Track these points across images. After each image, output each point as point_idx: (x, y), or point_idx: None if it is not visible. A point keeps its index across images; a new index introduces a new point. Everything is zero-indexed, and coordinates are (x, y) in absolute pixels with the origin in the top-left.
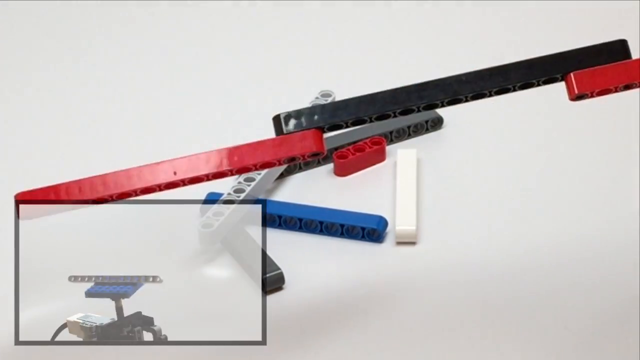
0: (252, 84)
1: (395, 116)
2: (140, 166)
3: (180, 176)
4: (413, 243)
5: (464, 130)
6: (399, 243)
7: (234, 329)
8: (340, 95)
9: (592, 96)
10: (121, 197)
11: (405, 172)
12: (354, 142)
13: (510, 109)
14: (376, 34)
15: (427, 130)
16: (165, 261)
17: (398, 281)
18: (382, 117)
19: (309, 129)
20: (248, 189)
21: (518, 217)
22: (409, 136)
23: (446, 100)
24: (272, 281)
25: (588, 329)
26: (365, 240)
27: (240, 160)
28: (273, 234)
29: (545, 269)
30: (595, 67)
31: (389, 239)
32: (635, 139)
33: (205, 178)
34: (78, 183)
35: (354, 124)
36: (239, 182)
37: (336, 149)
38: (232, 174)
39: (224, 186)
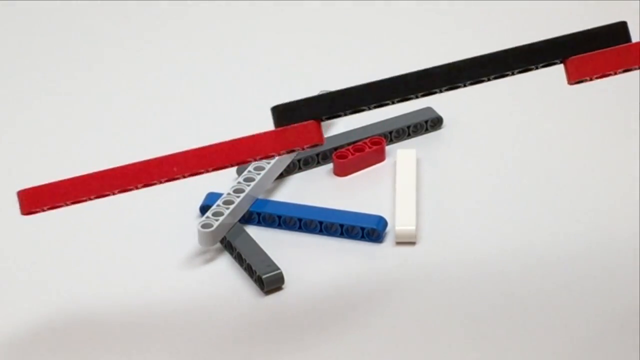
0: (252, 84)
1: (393, 103)
2: (140, 162)
3: (180, 171)
4: (412, 243)
5: (463, 130)
6: (399, 243)
7: (234, 328)
8: None
9: (591, 80)
10: (122, 192)
11: (404, 172)
12: (354, 142)
13: (510, 109)
14: (377, 33)
15: (427, 130)
16: (165, 261)
17: (397, 281)
18: (380, 106)
19: (307, 119)
20: (248, 189)
21: (518, 217)
22: (409, 136)
23: (444, 88)
24: (271, 281)
25: (589, 328)
26: (365, 240)
27: (240, 154)
28: (273, 234)
29: (546, 269)
30: (595, 52)
31: (389, 239)
32: (636, 141)
33: (205, 171)
34: (80, 180)
35: (352, 113)
36: (239, 182)
37: (336, 149)
38: (232, 166)
39: (224, 186)
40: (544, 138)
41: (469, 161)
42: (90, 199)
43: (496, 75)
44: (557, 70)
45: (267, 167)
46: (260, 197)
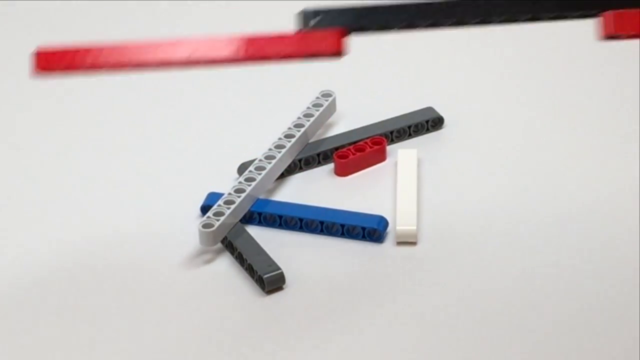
0: (252, 84)
1: (422, 28)
2: (159, 41)
3: (196, 56)
4: (413, 243)
5: (464, 130)
6: (399, 243)
7: (234, 328)
8: (340, 97)
9: (622, 38)
10: (138, 66)
11: (405, 172)
12: (355, 142)
13: (510, 109)
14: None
15: (428, 130)
16: (165, 261)
17: (398, 281)
18: (410, 27)
19: (332, 28)
20: (248, 189)
21: (518, 216)
22: (410, 136)
23: (475, 21)
24: (272, 281)
25: (589, 328)
26: (366, 240)
27: (258, 51)
28: (273, 234)
29: (546, 268)
30: (634, 10)
31: (389, 239)
32: (636, 142)
33: (221, 62)
34: (99, 47)
35: (380, 30)
36: (240, 182)
37: (337, 148)
38: (248, 62)
39: (225, 186)
40: (545, 138)
41: (470, 161)
42: (104, 70)
43: (529, 17)
44: (559, 71)
45: (268, 167)
46: (261, 197)
